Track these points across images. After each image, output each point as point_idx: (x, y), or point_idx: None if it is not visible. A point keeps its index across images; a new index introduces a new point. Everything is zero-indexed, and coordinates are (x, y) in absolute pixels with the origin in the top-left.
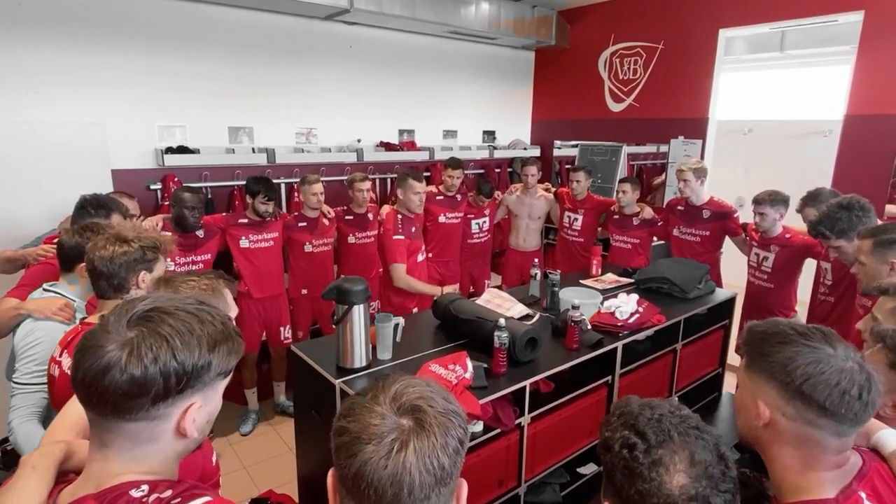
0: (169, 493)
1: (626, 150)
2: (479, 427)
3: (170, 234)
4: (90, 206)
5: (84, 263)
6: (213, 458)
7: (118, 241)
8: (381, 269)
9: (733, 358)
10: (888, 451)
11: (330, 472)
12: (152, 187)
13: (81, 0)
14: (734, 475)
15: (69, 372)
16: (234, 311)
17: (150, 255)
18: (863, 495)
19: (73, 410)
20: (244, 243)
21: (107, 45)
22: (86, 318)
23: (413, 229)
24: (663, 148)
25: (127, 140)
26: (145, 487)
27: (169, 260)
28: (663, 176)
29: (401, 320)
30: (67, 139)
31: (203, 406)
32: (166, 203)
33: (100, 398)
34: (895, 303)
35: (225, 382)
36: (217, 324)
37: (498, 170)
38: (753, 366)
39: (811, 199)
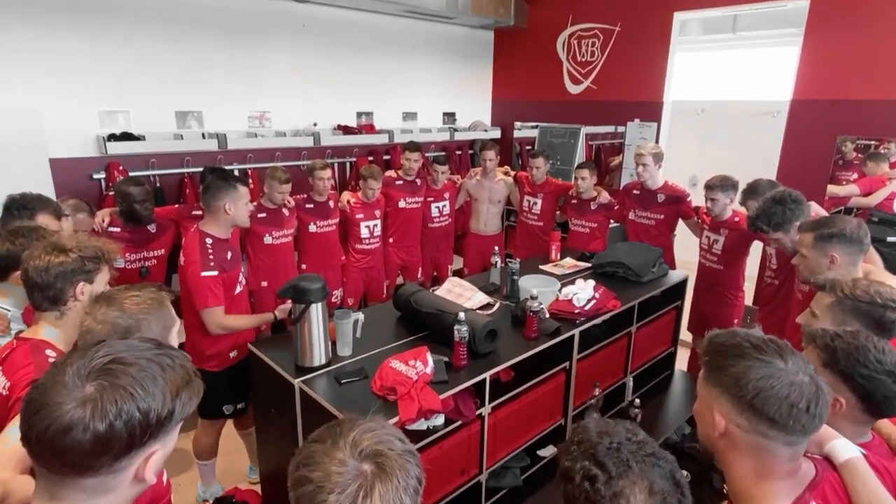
0: None
1: (585, 130)
2: (440, 420)
3: (115, 242)
4: (14, 208)
5: (19, 272)
6: (164, 478)
7: (55, 250)
8: (343, 257)
9: (685, 335)
10: (839, 461)
11: None
12: (95, 177)
13: None
14: (690, 501)
15: (4, 392)
16: (177, 323)
17: (89, 265)
18: None
19: (12, 443)
20: None
21: (39, 25)
22: (22, 331)
23: (229, 255)
24: (621, 128)
25: (65, 127)
26: None
27: (119, 258)
28: (620, 157)
29: (360, 316)
30: None
31: (162, 450)
32: (111, 193)
33: (57, 458)
34: (832, 298)
35: (181, 423)
36: (177, 368)
37: (459, 152)
38: (710, 378)
39: (751, 191)
